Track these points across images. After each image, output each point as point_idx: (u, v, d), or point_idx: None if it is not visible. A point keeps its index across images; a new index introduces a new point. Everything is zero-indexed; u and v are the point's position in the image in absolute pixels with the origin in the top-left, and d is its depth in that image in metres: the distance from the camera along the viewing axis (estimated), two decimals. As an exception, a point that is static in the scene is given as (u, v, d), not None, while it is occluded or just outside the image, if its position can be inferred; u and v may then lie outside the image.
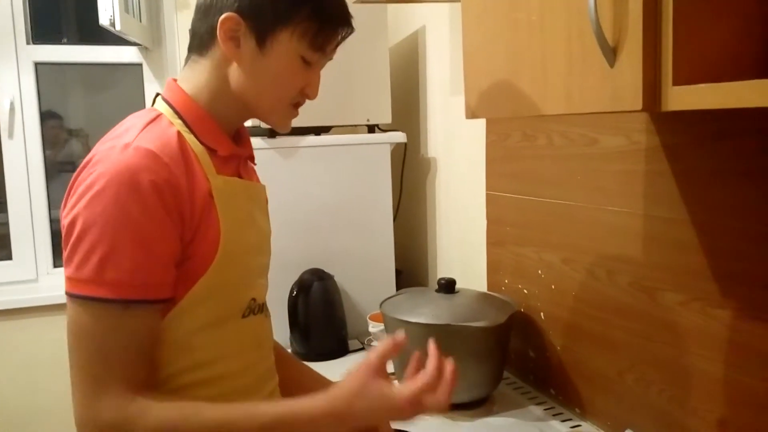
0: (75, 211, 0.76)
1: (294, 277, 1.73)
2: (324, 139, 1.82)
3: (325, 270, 1.76)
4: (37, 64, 2.27)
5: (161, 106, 0.88)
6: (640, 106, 0.65)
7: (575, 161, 1.24)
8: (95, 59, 2.37)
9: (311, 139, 1.80)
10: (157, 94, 0.91)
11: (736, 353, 0.92)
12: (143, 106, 2.33)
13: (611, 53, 0.67)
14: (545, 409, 1.32)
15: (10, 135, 2.24)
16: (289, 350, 1.57)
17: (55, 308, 2.20)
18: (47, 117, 2.36)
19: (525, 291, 1.44)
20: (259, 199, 0.98)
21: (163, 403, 0.77)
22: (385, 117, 1.89)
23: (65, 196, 0.80)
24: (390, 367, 1.46)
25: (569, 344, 1.30)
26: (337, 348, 1.74)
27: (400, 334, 0.86)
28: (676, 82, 0.62)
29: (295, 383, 1.07)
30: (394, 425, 1.06)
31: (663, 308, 1.04)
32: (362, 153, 1.84)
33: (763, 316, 0.87)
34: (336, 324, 1.74)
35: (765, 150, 0.85)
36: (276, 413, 0.79)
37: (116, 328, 0.76)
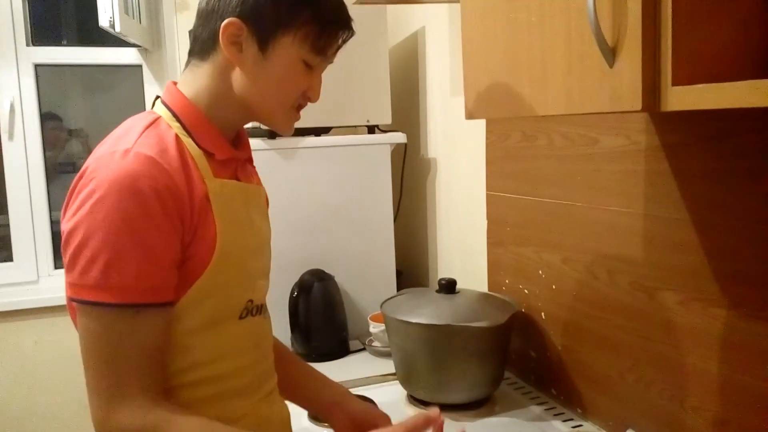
0: (76, 218, 0.76)
1: (294, 278, 1.73)
2: (324, 140, 1.82)
3: (326, 271, 1.76)
4: (37, 66, 2.28)
5: (160, 109, 0.88)
6: (639, 107, 0.65)
7: (575, 161, 1.24)
8: (95, 61, 2.37)
9: (311, 140, 1.80)
10: (157, 97, 0.92)
11: (737, 353, 0.92)
12: (143, 108, 2.34)
13: (610, 53, 0.67)
14: (546, 409, 1.32)
15: (11, 136, 2.25)
16: (290, 351, 1.57)
17: (55, 309, 2.20)
18: (47, 118, 2.37)
19: (525, 291, 1.44)
20: (258, 201, 0.98)
21: (185, 417, 0.78)
22: (385, 118, 1.89)
23: (65, 202, 0.81)
24: (390, 367, 1.47)
25: (570, 344, 1.30)
26: (338, 349, 1.74)
27: (435, 412, 0.86)
28: (676, 82, 0.62)
29: (297, 384, 1.07)
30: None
31: (663, 308, 1.04)
32: (362, 154, 1.84)
33: (764, 315, 0.87)
34: (337, 325, 1.74)
35: (764, 150, 0.85)
36: None
37: (129, 333, 0.77)
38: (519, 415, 1.30)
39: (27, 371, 2.24)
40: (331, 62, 0.92)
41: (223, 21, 0.83)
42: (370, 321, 1.73)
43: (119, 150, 0.78)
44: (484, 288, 1.61)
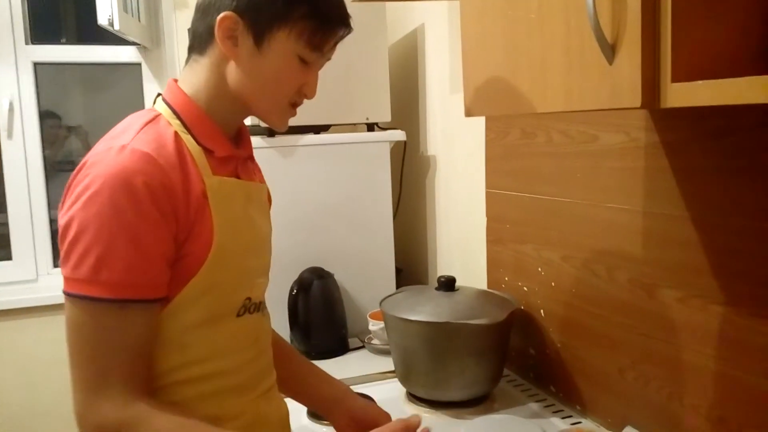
0: (71, 212, 0.77)
1: (294, 276, 1.73)
2: (323, 137, 1.82)
3: (325, 268, 1.76)
4: (36, 64, 2.27)
5: (161, 106, 0.89)
6: (639, 103, 0.65)
7: (575, 158, 1.24)
8: (94, 59, 2.37)
9: (310, 138, 1.80)
10: (159, 95, 0.92)
11: (736, 350, 0.92)
12: (142, 106, 2.34)
13: (610, 50, 0.67)
14: (545, 406, 1.32)
15: (10, 135, 2.24)
16: (290, 349, 1.57)
17: (54, 308, 2.20)
18: (46, 117, 2.36)
19: (525, 288, 1.44)
20: (259, 199, 0.98)
21: (165, 415, 0.78)
22: (385, 115, 1.89)
23: (63, 196, 0.81)
24: (389, 365, 1.47)
25: (569, 341, 1.30)
26: (338, 346, 1.74)
27: (416, 419, 0.89)
28: (675, 78, 0.62)
29: (298, 380, 1.07)
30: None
31: (662, 305, 1.04)
32: (362, 151, 1.84)
33: (763, 312, 0.87)
34: (336, 322, 1.75)
35: (764, 146, 0.85)
36: None
37: (114, 328, 0.77)
38: (518, 412, 1.30)
39: (26, 370, 2.24)
40: (329, 59, 0.92)
41: (219, 15, 0.83)
42: (369, 319, 1.73)
43: (116, 146, 0.78)
44: (483, 285, 1.62)
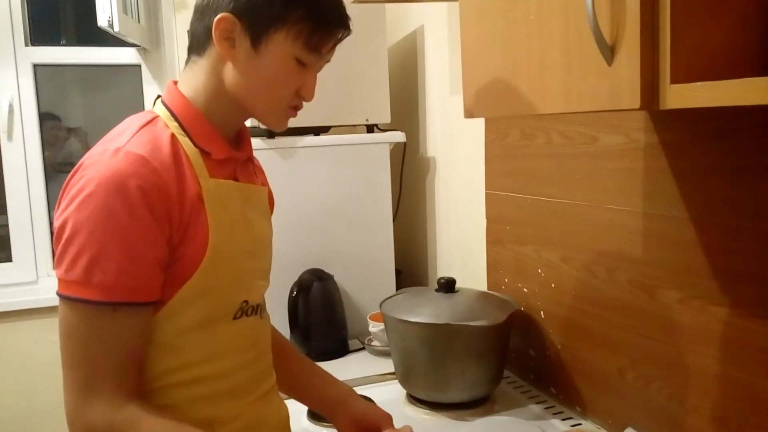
0: (65, 214, 0.77)
1: (294, 278, 1.73)
2: (323, 139, 1.82)
3: (325, 270, 1.76)
4: (35, 66, 2.27)
5: (159, 108, 0.88)
6: (638, 105, 0.65)
7: (574, 160, 1.24)
8: (94, 60, 2.37)
9: (310, 139, 1.80)
10: (158, 97, 0.92)
11: (736, 350, 0.92)
12: (142, 108, 2.34)
13: (609, 51, 0.67)
14: (546, 408, 1.32)
15: (9, 137, 2.24)
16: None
17: (54, 310, 2.16)
18: (46, 118, 2.36)
19: (525, 290, 1.44)
20: (258, 201, 0.97)
21: (156, 418, 0.78)
22: (384, 117, 1.89)
23: (58, 198, 0.81)
24: (389, 367, 1.47)
25: (569, 342, 1.30)
26: (338, 348, 1.74)
27: (407, 429, 0.92)
28: (674, 80, 0.62)
29: (300, 381, 1.07)
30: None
31: (662, 306, 1.04)
32: (361, 153, 1.84)
33: (763, 313, 0.87)
34: (336, 324, 1.74)
35: (763, 147, 0.85)
36: None
37: (106, 330, 0.77)
38: (518, 414, 1.30)
39: (26, 371, 2.23)
40: (328, 61, 0.91)
41: (216, 16, 0.83)
42: (369, 320, 1.73)
43: (111, 148, 0.79)
44: (483, 287, 1.61)
